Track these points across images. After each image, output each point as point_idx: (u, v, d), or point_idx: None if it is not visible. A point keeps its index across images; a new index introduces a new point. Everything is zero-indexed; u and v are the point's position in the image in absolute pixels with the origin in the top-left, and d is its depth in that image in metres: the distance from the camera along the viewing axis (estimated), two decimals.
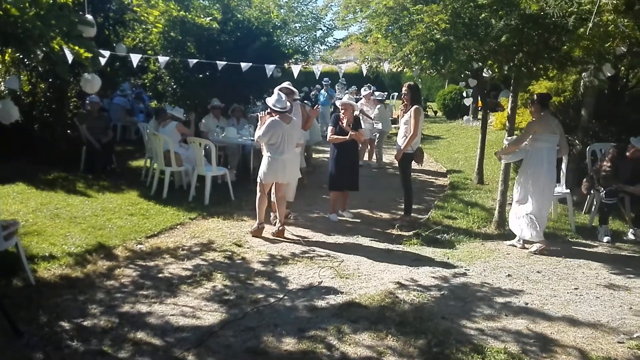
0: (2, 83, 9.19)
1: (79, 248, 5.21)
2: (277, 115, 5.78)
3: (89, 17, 5.03)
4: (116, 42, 8.63)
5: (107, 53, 5.93)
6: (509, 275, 4.90)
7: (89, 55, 4.60)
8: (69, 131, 9.60)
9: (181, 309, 4.05)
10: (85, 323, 3.76)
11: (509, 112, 6.34)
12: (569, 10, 4.70)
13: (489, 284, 4.69)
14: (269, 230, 6.08)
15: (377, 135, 10.55)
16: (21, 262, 4.37)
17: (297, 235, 6.01)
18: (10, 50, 6.71)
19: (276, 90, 6.09)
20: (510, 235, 5.95)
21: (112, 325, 3.73)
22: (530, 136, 5.59)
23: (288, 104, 5.90)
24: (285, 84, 6.42)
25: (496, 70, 6.71)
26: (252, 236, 5.92)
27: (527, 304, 4.26)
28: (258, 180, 5.99)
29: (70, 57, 4.86)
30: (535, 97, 5.80)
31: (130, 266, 4.92)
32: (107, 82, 8.73)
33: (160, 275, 4.73)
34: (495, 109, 15.20)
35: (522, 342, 3.61)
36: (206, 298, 4.26)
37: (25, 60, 8.53)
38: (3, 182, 7.54)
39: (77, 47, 4.44)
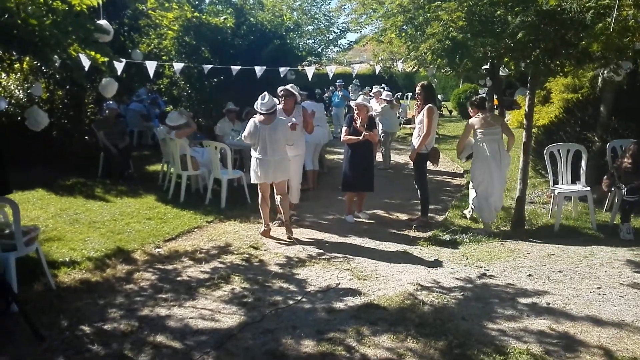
0: (22, 90, 9.34)
1: (98, 252, 5.27)
2: (258, 117, 5.83)
3: (105, 22, 5.09)
4: (131, 49, 8.73)
5: (123, 60, 5.99)
6: (529, 275, 4.82)
7: (106, 60, 4.66)
8: (86, 137, 9.73)
9: (200, 311, 4.06)
10: (105, 327, 3.79)
11: (527, 110, 6.27)
12: (587, 5, 4.62)
13: (510, 284, 4.62)
14: (285, 233, 6.09)
15: (382, 135, 10.38)
16: (42, 267, 4.43)
17: (293, 238, 5.96)
18: (28, 58, 6.83)
19: (282, 88, 6.32)
20: (533, 234, 5.92)
21: (132, 328, 3.75)
22: (472, 133, 6.23)
23: (276, 102, 5.90)
24: (288, 87, 6.40)
25: (512, 67, 6.65)
26: (262, 236, 5.99)
27: (549, 304, 4.19)
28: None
29: (87, 63, 4.93)
30: (471, 101, 6.51)
31: (149, 270, 4.95)
32: (123, 88, 8.83)
33: (178, 278, 4.76)
34: (511, 107, 15.04)
35: (545, 343, 3.55)
36: (225, 301, 4.27)
37: (43, 67, 8.67)
38: (23, 189, 7.66)
39: (93, 53, 4.50)
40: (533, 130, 6.93)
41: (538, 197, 7.62)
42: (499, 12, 5.15)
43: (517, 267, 5.02)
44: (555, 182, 6.60)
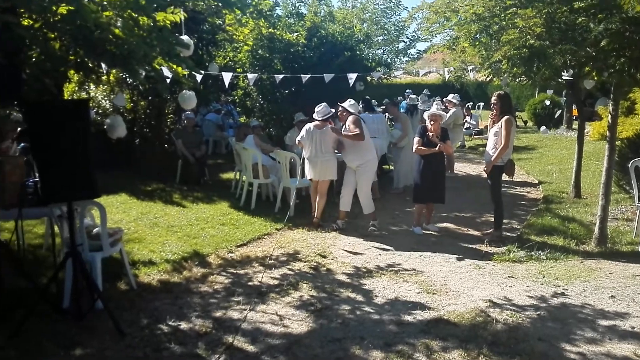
0: (107, 101, 10.01)
1: (175, 255, 5.52)
2: (314, 123, 6.63)
3: (186, 37, 5.36)
4: (209, 62, 9.11)
5: (202, 72, 6.28)
6: (612, 296, 4.55)
7: (186, 73, 4.91)
8: (166, 145, 10.25)
9: (270, 316, 4.16)
10: (181, 326, 3.96)
11: (610, 121, 5.93)
12: None
13: (590, 305, 4.38)
14: (353, 243, 6.10)
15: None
16: (124, 267, 4.71)
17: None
18: (115, 70, 7.29)
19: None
20: (616, 252, 5.58)
21: (207, 329, 3.90)
22: None
23: (331, 111, 6.61)
24: (345, 104, 6.64)
25: (594, 77, 6.34)
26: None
27: (633, 327, 3.93)
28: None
29: (169, 76, 5.21)
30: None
31: (223, 273, 5.13)
32: (199, 100, 9.22)
33: (250, 283, 4.89)
34: (592, 119, 14.27)
35: None
36: (294, 307, 4.34)
37: (128, 79, 9.23)
38: (108, 193, 8.14)
39: (175, 66, 4.76)
40: (616, 143, 6.54)
41: (621, 214, 7.16)
42: (580, 20, 4.94)
43: (599, 288, 4.74)
44: None
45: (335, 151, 6.74)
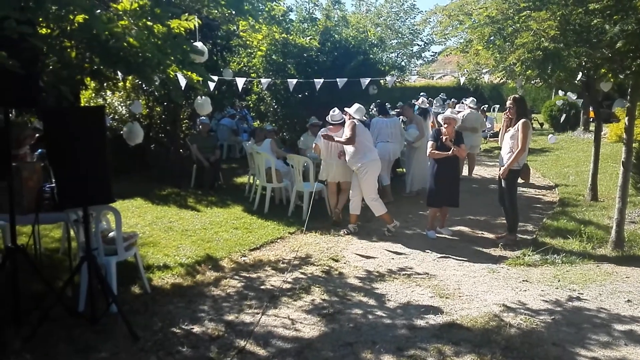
0: (124, 107, 10.16)
1: (189, 259, 5.57)
2: (328, 127, 6.83)
3: (200, 44, 5.42)
4: (223, 67, 9.20)
5: (215, 78, 6.34)
6: (628, 300, 4.48)
7: (200, 79, 4.97)
8: (181, 150, 10.37)
9: (282, 320, 4.17)
10: (194, 330, 4.00)
11: (626, 123, 5.85)
12: None
13: (606, 309, 4.32)
14: (365, 246, 6.09)
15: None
16: (139, 271, 4.76)
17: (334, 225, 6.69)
18: (131, 77, 7.41)
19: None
20: (633, 256, 5.48)
21: (219, 333, 3.93)
22: None
23: (343, 117, 6.74)
24: (351, 111, 6.55)
25: (610, 78, 6.27)
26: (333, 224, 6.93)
27: None
28: None
29: (183, 82, 5.27)
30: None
31: (235, 277, 5.16)
32: (214, 105, 9.32)
33: (262, 287, 4.92)
34: (609, 120, 14.07)
35: None
36: (305, 311, 4.35)
37: (144, 86, 9.37)
38: (123, 198, 8.26)
39: (189, 73, 4.82)
40: (634, 145, 6.45)
41: (639, 217, 7.05)
42: (595, 22, 4.89)
43: (615, 292, 4.68)
44: None
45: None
